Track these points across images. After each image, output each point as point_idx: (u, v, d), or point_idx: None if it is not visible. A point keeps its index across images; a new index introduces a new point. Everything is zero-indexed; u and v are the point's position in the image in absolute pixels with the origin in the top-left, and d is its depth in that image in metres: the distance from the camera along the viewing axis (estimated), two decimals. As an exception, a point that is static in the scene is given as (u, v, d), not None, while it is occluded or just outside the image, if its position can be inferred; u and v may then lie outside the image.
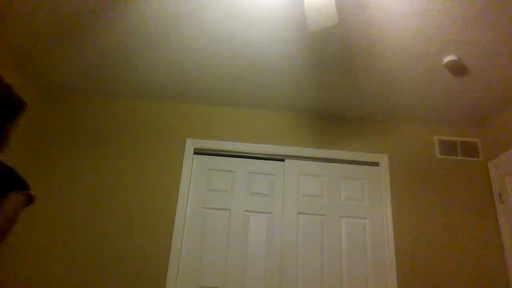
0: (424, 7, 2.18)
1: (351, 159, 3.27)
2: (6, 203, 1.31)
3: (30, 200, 1.44)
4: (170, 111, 3.35)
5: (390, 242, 3.00)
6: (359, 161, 3.28)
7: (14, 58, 2.82)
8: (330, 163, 3.27)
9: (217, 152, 3.26)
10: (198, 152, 3.25)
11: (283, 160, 3.27)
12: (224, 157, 3.26)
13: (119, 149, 3.20)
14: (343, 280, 2.92)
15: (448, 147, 3.31)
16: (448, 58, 2.55)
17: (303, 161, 3.27)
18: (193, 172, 3.19)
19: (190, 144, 3.23)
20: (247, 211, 3.09)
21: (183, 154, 3.20)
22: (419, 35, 2.39)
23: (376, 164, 3.28)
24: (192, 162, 3.21)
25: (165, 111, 3.35)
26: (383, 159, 3.27)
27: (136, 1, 2.27)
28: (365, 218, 3.11)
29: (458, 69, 2.66)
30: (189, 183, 3.13)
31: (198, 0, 2.24)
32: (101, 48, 2.71)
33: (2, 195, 1.30)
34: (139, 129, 3.27)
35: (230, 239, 2.99)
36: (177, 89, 3.17)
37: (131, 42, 2.63)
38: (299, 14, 2.30)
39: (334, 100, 3.17)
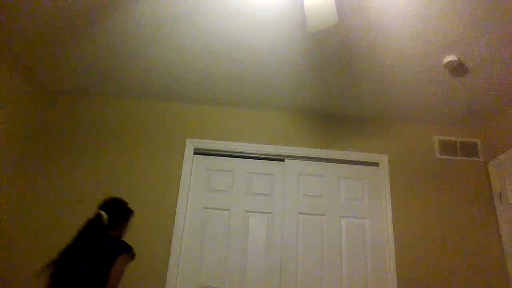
0: (424, 7, 2.18)
1: (351, 159, 3.27)
2: (117, 264, 1.98)
3: (132, 257, 2.08)
4: (170, 111, 3.35)
5: (390, 242, 3.00)
6: (359, 161, 3.28)
7: (13, 58, 2.82)
8: (330, 163, 3.27)
9: (217, 152, 3.26)
10: (198, 152, 3.25)
11: (283, 160, 3.27)
12: (224, 157, 3.26)
13: (119, 149, 3.20)
14: (343, 280, 2.92)
15: (448, 147, 3.31)
16: (448, 58, 2.55)
17: (303, 161, 3.27)
18: (193, 172, 3.19)
19: (190, 144, 3.23)
20: (247, 211, 3.10)
21: (183, 154, 3.20)
22: (419, 35, 2.39)
23: (376, 164, 3.28)
24: (192, 162, 3.21)
25: (165, 111, 3.35)
26: (383, 159, 3.27)
27: (136, 1, 2.27)
28: (365, 218, 3.11)
29: (458, 69, 2.66)
30: (189, 183, 3.13)
31: (198, 1, 2.25)
32: (100, 48, 2.71)
33: (114, 259, 1.99)
34: (139, 129, 3.27)
35: (230, 239, 2.99)
36: (177, 89, 3.17)
37: (131, 42, 2.63)
38: (299, 15, 2.30)
39: (334, 100, 3.18)
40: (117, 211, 2.21)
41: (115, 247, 2.04)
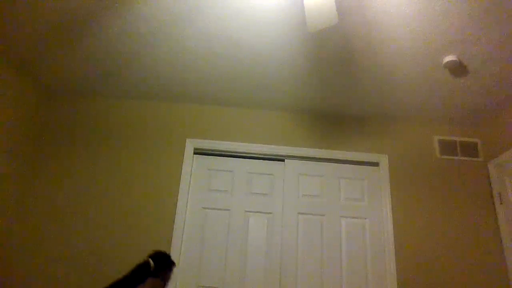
0: (424, 7, 2.18)
1: (351, 159, 3.27)
2: (145, 285, 2.18)
3: (163, 283, 2.26)
4: (170, 111, 3.35)
5: (390, 242, 3.00)
6: (359, 161, 3.28)
7: (14, 58, 2.82)
8: (330, 163, 3.27)
9: (217, 152, 3.26)
10: (198, 152, 3.25)
11: (283, 160, 3.27)
12: (224, 157, 3.26)
13: (119, 150, 3.20)
14: (343, 280, 2.92)
15: (448, 147, 3.31)
16: (448, 58, 2.55)
17: (303, 161, 3.27)
18: (193, 172, 3.19)
19: (190, 144, 3.23)
20: (247, 211, 3.10)
21: (183, 154, 3.20)
22: (419, 35, 2.39)
23: (376, 164, 3.28)
24: (192, 162, 3.21)
25: (165, 111, 3.35)
26: (383, 159, 3.27)
27: (136, 1, 2.27)
28: (365, 218, 3.11)
29: (457, 69, 2.66)
30: (189, 183, 3.13)
31: (198, 1, 2.25)
32: (100, 48, 2.71)
33: (143, 281, 2.17)
34: (139, 130, 3.28)
35: (230, 239, 2.99)
36: (177, 89, 3.17)
37: (131, 42, 2.63)
38: (299, 14, 2.30)
39: (334, 100, 3.18)
40: (163, 262, 2.48)
41: (147, 270, 2.27)
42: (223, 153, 3.26)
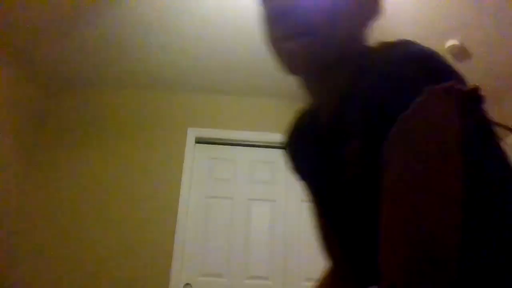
0: (425, -9, 2.14)
1: (353, 146, 3.25)
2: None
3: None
4: (171, 101, 3.34)
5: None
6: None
7: (11, 51, 2.81)
8: (332, 150, 3.26)
9: (219, 141, 3.25)
10: (200, 141, 3.25)
11: (285, 148, 3.26)
12: (226, 146, 3.26)
13: (121, 141, 3.20)
14: (346, 266, 2.93)
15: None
16: (450, 43, 2.51)
17: (305, 148, 3.26)
18: (195, 162, 3.19)
19: (192, 134, 3.23)
20: (250, 199, 3.11)
21: (185, 143, 3.20)
22: (421, 19, 2.35)
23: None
24: (194, 152, 3.21)
25: (166, 101, 3.34)
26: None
27: (133, -10, 2.25)
28: (367, 205, 3.11)
29: (460, 53, 2.62)
30: (192, 173, 3.14)
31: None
32: (99, 38, 2.69)
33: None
34: (140, 120, 3.27)
35: (233, 228, 3.01)
36: (177, 78, 3.16)
37: (130, 32, 2.61)
38: None
39: (335, 86, 3.15)
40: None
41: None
42: (225, 141, 3.26)
